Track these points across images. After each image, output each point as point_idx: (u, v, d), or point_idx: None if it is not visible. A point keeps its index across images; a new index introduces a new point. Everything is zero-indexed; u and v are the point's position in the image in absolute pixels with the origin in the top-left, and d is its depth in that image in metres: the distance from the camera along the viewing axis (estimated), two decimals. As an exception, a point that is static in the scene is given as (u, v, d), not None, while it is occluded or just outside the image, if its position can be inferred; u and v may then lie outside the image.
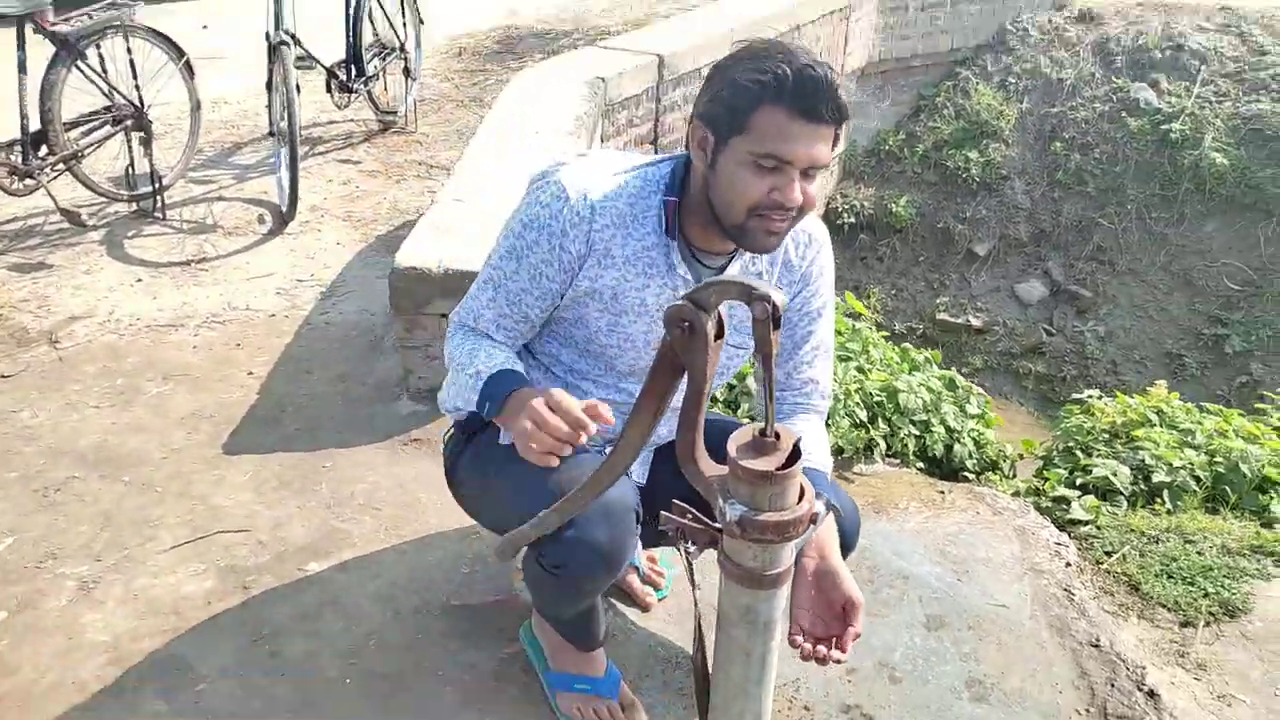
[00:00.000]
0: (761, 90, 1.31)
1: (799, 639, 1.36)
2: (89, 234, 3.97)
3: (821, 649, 1.35)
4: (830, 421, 2.79)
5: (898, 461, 2.91)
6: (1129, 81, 7.34)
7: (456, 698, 1.80)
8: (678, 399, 1.19)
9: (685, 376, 1.15)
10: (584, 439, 1.34)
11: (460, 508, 1.76)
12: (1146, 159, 7.05)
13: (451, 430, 1.76)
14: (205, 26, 7.24)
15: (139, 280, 3.64)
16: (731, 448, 1.13)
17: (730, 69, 1.36)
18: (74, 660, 1.86)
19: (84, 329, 3.28)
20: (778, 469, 1.10)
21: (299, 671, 1.84)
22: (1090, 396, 3.38)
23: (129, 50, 3.90)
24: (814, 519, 1.16)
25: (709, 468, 1.20)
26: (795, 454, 1.12)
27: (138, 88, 3.97)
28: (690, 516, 1.31)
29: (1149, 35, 7.51)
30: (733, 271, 1.55)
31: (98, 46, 3.82)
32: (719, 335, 1.13)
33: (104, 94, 3.93)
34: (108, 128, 3.97)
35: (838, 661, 1.36)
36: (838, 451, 2.82)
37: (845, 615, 1.38)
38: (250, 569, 2.12)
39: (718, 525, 1.21)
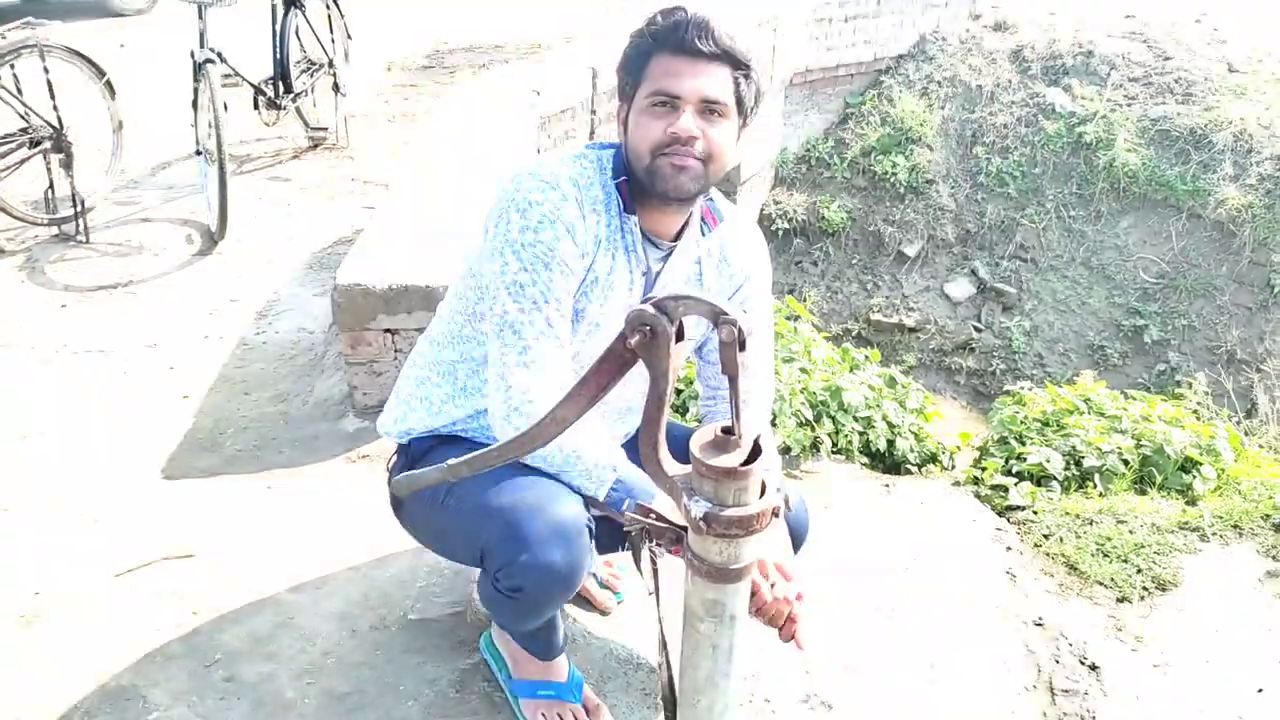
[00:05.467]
0: (644, 42, 1.45)
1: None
2: (7, 259, 3.83)
3: (782, 600, 1.41)
4: (777, 421, 2.85)
5: (843, 457, 2.97)
6: (1044, 86, 7.63)
7: (418, 712, 1.78)
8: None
9: (631, 374, 1.16)
10: None
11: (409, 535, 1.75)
12: (1063, 160, 7.34)
13: (395, 457, 1.75)
14: (122, 45, 7.06)
15: (63, 306, 3.52)
16: (694, 446, 1.15)
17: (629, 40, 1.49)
18: (17, 697, 1.80)
19: (5, 357, 3.16)
20: (741, 465, 1.13)
21: (256, 694, 1.80)
22: (1021, 388, 3.50)
23: (45, 70, 3.78)
24: (776, 512, 1.19)
25: (672, 467, 1.21)
26: (756, 450, 1.14)
27: (55, 108, 3.85)
28: (654, 515, 1.33)
29: (1061, 42, 7.82)
30: (677, 258, 1.58)
31: (12, 66, 3.70)
32: (679, 338, 1.15)
33: (19, 115, 3.80)
34: (24, 149, 3.84)
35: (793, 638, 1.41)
36: (784, 450, 2.87)
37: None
38: (198, 594, 2.06)
39: (682, 524, 1.23)
